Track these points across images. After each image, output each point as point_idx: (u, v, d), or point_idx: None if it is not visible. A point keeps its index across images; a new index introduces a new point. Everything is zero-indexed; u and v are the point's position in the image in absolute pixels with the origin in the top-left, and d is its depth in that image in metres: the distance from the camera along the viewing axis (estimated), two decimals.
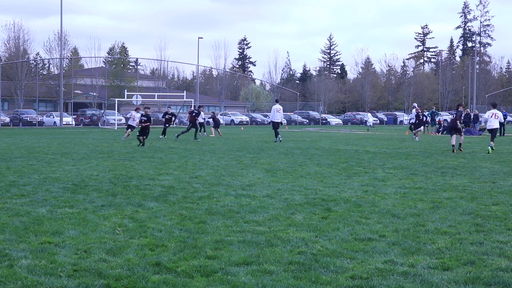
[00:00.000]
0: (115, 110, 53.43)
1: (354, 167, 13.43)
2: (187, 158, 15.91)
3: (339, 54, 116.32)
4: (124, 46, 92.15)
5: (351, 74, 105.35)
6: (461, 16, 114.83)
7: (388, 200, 8.69)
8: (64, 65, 66.03)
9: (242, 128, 49.32)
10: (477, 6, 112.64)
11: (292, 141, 25.76)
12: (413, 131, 28.11)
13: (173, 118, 28.94)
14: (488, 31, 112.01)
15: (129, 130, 26.03)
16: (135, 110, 26.80)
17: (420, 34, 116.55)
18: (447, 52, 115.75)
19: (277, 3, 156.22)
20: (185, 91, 57.89)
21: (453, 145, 19.10)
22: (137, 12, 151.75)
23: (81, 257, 5.36)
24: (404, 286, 4.61)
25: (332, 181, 10.86)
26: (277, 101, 26.75)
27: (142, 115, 22.38)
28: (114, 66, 75.32)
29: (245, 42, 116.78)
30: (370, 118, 46.52)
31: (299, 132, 40.73)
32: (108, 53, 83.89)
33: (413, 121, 29.30)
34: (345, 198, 8.79)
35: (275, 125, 24.79)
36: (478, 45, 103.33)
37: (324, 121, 67.91)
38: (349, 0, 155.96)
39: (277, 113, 24.64)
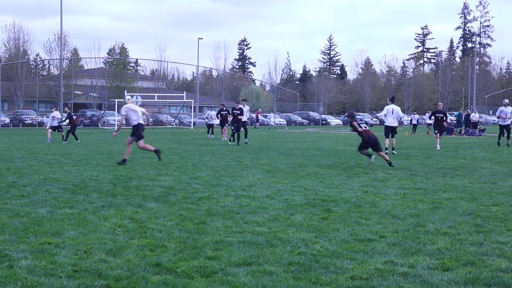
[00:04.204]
0: (115, 110, 53.41)
1: (354, 168, 13.43)
2: (187, 159, 15.92)
3: (339, 55, 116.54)
4: (124, 47, 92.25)
5: (351, 75, 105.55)
6: (461, 16, 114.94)
7: (388, 200, 8.69)
8: (64, 66, 66.03)
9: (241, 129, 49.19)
10: (477, 7, 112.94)
11: (292, 142, 25.77)
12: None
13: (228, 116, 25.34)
14: (488, 31, 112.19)
15: (50, 130, 24.98)
16: (52, 108, 25.98)
17: (420, 34, 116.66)
18: (447, 52, 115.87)
19: (277, 3, 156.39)
20: (185, 92, 57.96)
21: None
22: (137, 13, 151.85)
23: (81, 258, 5.36)
24: (404, 286, 4.61)
25: (332, 182, 10.86)
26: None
27: (234, 109, 20.65)
28: (114, 66, 75.34)
29: (245, 43, 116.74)
30: (273, 118, 58.27)
31: (299, 132, 40.71)
32: (108, 54, 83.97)
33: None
34: (345, 199, 8.79)
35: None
36: (478, 46, 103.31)
37: (324, 122, 67.90)
38: (349, 1, 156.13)
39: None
